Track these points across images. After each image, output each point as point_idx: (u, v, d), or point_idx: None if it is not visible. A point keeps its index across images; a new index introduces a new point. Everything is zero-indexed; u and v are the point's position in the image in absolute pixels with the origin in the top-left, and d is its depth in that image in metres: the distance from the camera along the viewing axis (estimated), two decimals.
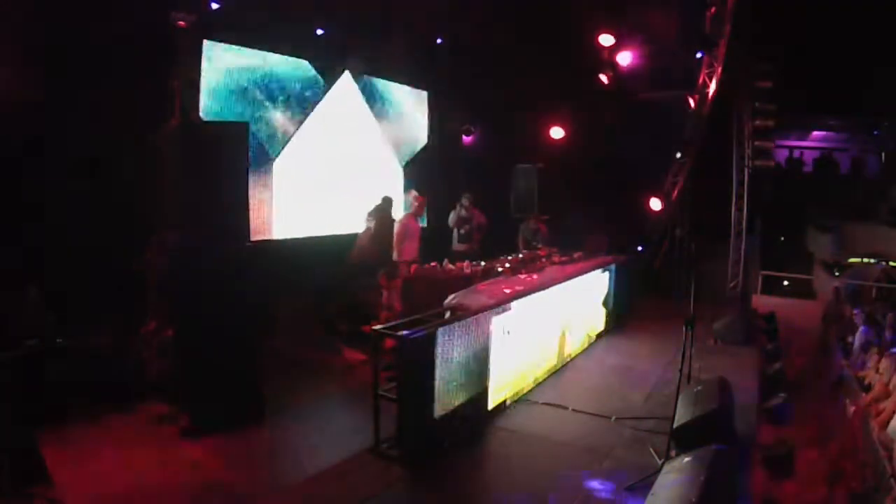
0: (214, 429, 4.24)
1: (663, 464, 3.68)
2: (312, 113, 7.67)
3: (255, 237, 6.39)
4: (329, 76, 7.87)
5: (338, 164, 8.06)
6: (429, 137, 9.87)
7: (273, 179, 7.14)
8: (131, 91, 5.27)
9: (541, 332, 5.49)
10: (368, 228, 6.74)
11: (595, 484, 3.74)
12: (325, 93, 7.83)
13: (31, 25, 5.03)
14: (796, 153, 15.47)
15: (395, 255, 6.60)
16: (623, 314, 7.92)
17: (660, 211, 10.40)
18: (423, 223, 8.40)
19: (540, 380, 5.51)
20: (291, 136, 7.38)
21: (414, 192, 7.07)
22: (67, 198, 5.33)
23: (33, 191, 5.19)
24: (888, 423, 4.87)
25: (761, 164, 9.68)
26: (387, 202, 6.76)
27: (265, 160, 7.04)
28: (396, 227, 6.76)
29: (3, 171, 4.98)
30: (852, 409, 5.50)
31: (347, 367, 5.77)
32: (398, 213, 7.43)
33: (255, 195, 6.54)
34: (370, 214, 6.78)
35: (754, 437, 4.45)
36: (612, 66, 10.22)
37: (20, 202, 5.11)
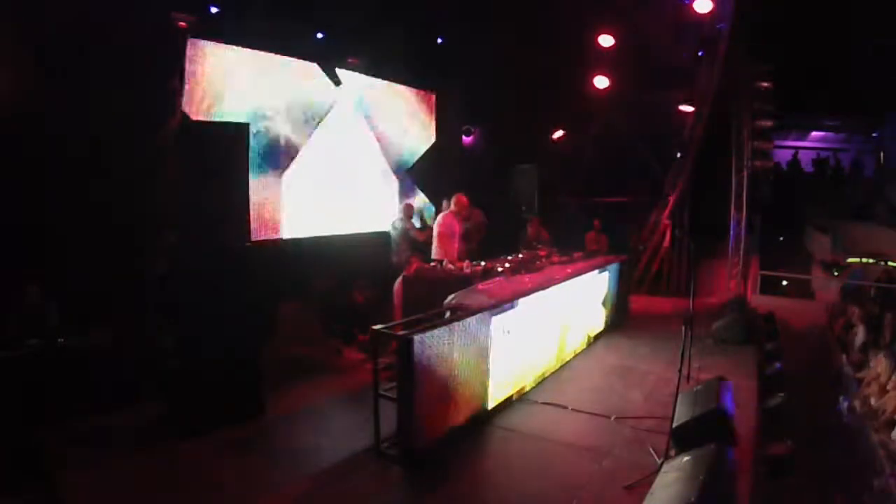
0: (214, 428, 4.25)
1: (662, 463, 3.68)
2: (314, 113, 7.67)
3: (256, 237, 6.42)
4: (331, 77, 7.86)
5: (340, 164, 8.06)
6: (431, 138, 9.87)
7: (274, 180, 7.14)
8: (131, 91, 5.27)
9: (541, 332, 5.50)
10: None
11: (594, 483, 3.75)
12: (327, 93, 7.83)
13: (32, 26, 5.03)
14: (795, 153, 15.51)
15: (434, 254, 6.54)
16: (623, 314, 7.93)
17: (659, 211, 10.42)
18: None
19: (540, 379, 5.52)
20: (292, 136, 7.37)
21: (458, 194, 6.89)
22: (67, 198, 5.33)
23: (33, 190, 5.19)
24: (888, 423, 4.89)
25: (760, 165, 9.70)
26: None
27: (266, 160, 7.04)
28: (436, 226, 6.70)
29: (3, 171, 4.98)
30: (845, 405, 5.52)
31: (347, 367, 5.78)
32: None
33: (257, 195, 6.54)
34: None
35: (754, 436, 4.45)
36: (612, 67, 10.25)
37: (20, 202, 5.11)
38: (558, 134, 10.77)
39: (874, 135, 14.91)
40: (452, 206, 6.75)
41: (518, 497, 3.63)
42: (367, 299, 6.58)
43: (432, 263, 6.39)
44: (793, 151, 15.43)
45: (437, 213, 7.46)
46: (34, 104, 5.08)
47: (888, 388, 5.41)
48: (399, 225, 7.41)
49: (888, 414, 5.14)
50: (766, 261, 11.03)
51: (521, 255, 7.00)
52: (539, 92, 10.00)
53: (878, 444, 4.81)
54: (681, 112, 9.92)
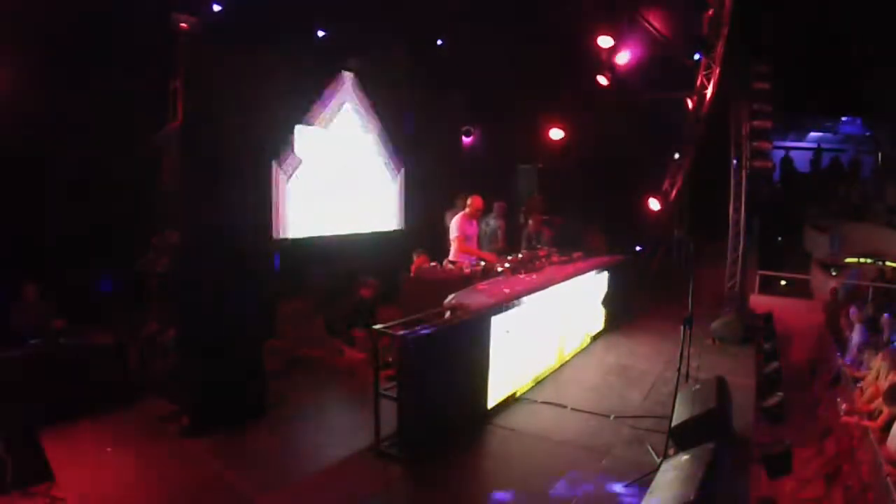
0: (215, 427, 4.26)
1: (661, 462, 3.71)
2: (315, 113, 7.68)
3: (257, 237, 6.41)
4: (331, 77, 7.88)
5: (341, 164, 8.07)
6: (430, 138, 9.89)
7: (276, 180, 7.15)
8: (132, 92, 5.29)
9: (540, 332, 5.52)
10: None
11: (593, 482, 3.77)
12: (328, 94, 7.85)
13: (33, 27, 5.05)
14: (793, 154, 15.55)
15: (451, 256, 6.50)
16: (622, 313, 7.96)
17: (658, 211, 10.44)
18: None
19: (539, 379, 5.54)
20: (294, 136, 7.38)
21: (474, 195, 6.73)
22: (68, 198, 5.35)
23: (34, 191, 5.21)
24: (885, 425, 4.91)
25: (759, 165, 9.72)
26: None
27: (268, 161, 7.05)
28: (455, 229, 6.60)
29: (4, 171, 4.99)
30: (843, 406, 5.55)
31: (348, 367, 5.79)
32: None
33: (257, 195, 6.54)
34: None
35: (752, 435, 4.48)
36: (611, 68, 10.28)
37: (21, 202, 5.13)
38: (558, 135, 10.79)
39: (868, 134, 14.95)
40: (467, 208, 6.66)
41: (517, 496, 3.65)
42: (374, 294, 6.49)
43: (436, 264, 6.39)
44: (793, 152, 15.46)
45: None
46: (35, 104, 5.10)
47: (883, 389, 5.43)
48: (492, 223, 7.67)
49: (885, 415, 5.17)
50: (765, 260, 11.06)
51: (520, 255, 7.01)
52: (539, 92, 10.01)
53: (876, 444, 4.84)
54: (680, 112, 9.95)
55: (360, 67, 8.26)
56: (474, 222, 6.72)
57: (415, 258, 6.38)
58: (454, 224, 6.62)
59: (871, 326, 7.12)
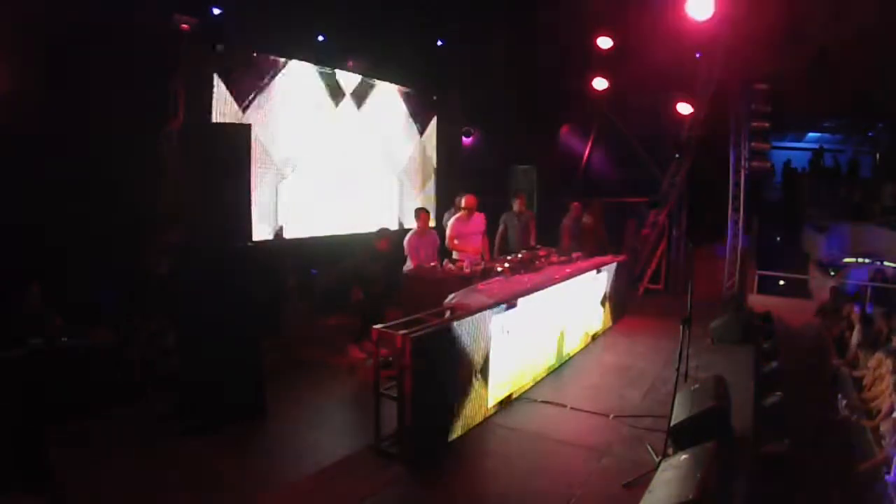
0: (216, 427, 4.28)
1: (660, 461, 3.71)
2: (315, 114, 7.68)
3: (258, 237, 6.43)
4: (331, 78, 7.89)
5: (341, 164, 8.08)
6: (429, 138, 9.91)
7: (276, 180, 7.16)
8: (133, 92, 5.29)
9: (540, 331, 5.54)
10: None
11: (593, 481, 3.78)
12: (327, 94, 7.85)
13: (34, 27, 5.05)
14: (793, 154, 15.56)
15: (454, 255, 6.65)
16: (621, 313, 7.98)
17: (658, 211, 10.47)
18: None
19: (539, 378, 5.55)
20: (294, 137, 7.39)
21: (467, 194, 6.82)
22: (68, 198, 5.34)
23: (34, 190, 5.21)
24: (884, 422, 4.93)
25: (758, 166, 9.75)
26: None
27: (268, 161, 7.06)
28: (448, 228, 6.75)
29: (4, 171, 4.99)
30: (843, 403, 5.57)
31: (349, 366, 5.81)
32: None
33: (259, 195, 6.56)
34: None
35: (751, 435, 4.49)
36: (611, 68, 10.29)
37: (21, 202, 5.12)
38: (557, 135, 10.81)
39: (870, 134, 14.97)
40: (461, 207, 6.78)
41: (517, 495, 3.66)
42: (390, 248, 6.42)
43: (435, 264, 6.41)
44: (791, 152, 15.48)
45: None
46: (35, 104, 5.10)
47: (883, 387, 5.45)
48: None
49: (884, 413, 5.18)
50: (764, 260, 11.09)
51: (520, 255, 7.03)
52: (539, 92, 10.04)
53: (875, 443, 4.85)
54: (679, 113, 9.97)
55: (361, 68, 8.26)
56: (468, 221, 6.79)
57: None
58: (449, 223, 6.79)
59: (870, 326, 7.14)
